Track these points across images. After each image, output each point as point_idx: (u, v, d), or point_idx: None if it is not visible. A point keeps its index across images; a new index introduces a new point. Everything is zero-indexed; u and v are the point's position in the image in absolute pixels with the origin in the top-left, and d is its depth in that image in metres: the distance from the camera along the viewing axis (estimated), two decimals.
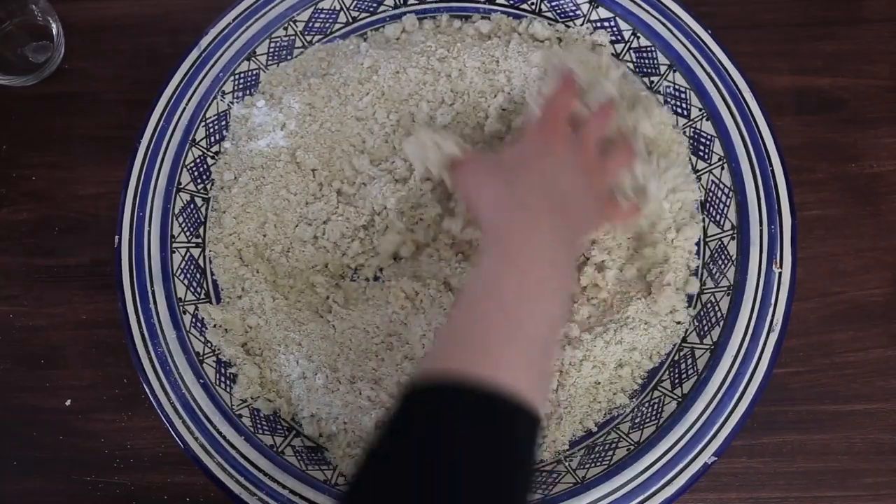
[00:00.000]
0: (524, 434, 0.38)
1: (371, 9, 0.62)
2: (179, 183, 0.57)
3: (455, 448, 0.35)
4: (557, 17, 0.60)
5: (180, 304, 0.54)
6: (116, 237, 0.54)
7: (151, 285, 0.53)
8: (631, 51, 0.59)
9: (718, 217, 0.54)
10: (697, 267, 0.54)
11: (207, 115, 0.58)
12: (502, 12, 0.61)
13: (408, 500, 0.34)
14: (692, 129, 0.56)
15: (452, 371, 0.37)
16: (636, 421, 0.51)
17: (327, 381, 0.52)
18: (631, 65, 0.59)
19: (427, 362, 0.40)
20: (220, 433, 0.50)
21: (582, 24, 0.60)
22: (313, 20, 0.61)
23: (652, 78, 0.58)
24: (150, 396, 0.51)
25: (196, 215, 0.57)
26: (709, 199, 0.55)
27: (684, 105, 0.57)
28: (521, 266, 0.41)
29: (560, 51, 0.57)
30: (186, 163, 0.57)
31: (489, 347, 0.39)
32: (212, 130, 0.59)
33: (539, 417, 0.38)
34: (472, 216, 0.50)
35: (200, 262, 0.56)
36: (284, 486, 0.49)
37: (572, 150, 0.48)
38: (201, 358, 0.53)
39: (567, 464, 0.51)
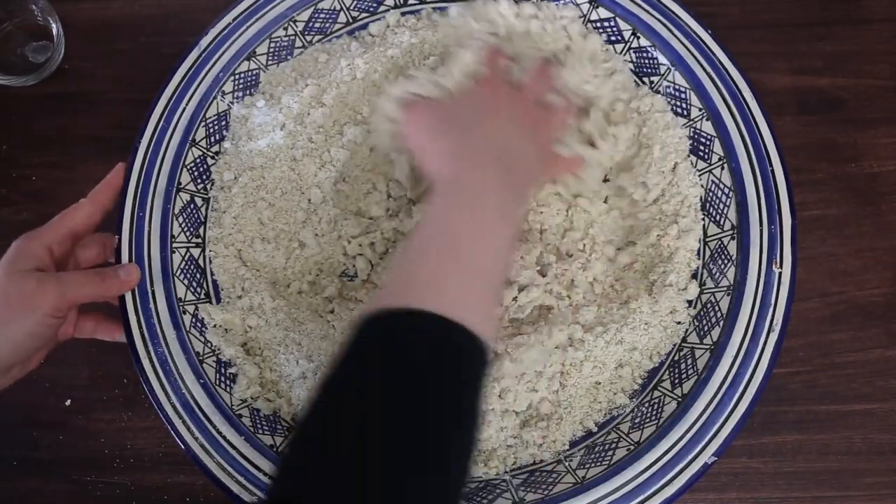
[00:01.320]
0: (470, 363, 0.39)
1: (371, 9, 0.62)
2: (179, 183, 0.57)
3: (395, 373, 0.36)
4: None
5: (180, 304, 0.54)
6: (116, 237, 0.54)
7: (151, 285, 0.53)
8: (631, 51, 0.59)
9: (718, 217, 0.54)
10: (697, 268, 0.54)
11: (207, 115, 0.58)
12: None
13: (342, 435, 0.35)
14: (692, 129, 0.56)
15: (402, 303, 0.38)
16: (636, 421, 0.51)
17: None
18: (631, 65, 0.59)
19: (379, 298, 0.41)
20: (220, 433, 0.50)
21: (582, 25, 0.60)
22: (313, 20, 0.61)
23: (652, 78, 0.58)
24: (150, 396, 0.51)
25: (196, 215, 0.57)
26: (709, 199, 0.55)
27: (684, 105, 0.57)
28: (472, 210, 0.43)
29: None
30: (186, 163, 0.57)
31: (439, 281, 0.40)
32: (212, 130, 0.59)
33: (485, 347, 0.39)
34: (420, 163, 0.51)
35: (200, 262, 0.56)
36: None
37: (516, 106, 0.51)
38: (201, 358, 0.53)
39: (567, 464, 0.51)
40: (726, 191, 0.54)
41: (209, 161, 0.59)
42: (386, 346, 0.38)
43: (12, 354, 0.48)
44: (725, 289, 0.52)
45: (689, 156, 0.56)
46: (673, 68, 0.57)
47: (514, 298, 0.53)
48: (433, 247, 0.42)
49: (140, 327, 0.52)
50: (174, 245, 0.55)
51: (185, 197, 0.57)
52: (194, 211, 0.57)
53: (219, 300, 0.56)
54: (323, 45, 0.62)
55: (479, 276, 0.42)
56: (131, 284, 0.52)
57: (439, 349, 0.38)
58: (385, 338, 0.38)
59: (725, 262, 0.53)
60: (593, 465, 0.50)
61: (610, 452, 0.50)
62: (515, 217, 0.47)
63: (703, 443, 0.48)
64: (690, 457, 0.48)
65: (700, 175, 0.56)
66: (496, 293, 0.46)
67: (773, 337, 0.50)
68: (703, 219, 0.55)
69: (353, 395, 0.36)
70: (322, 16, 0.61)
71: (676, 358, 0.53)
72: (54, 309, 0.48)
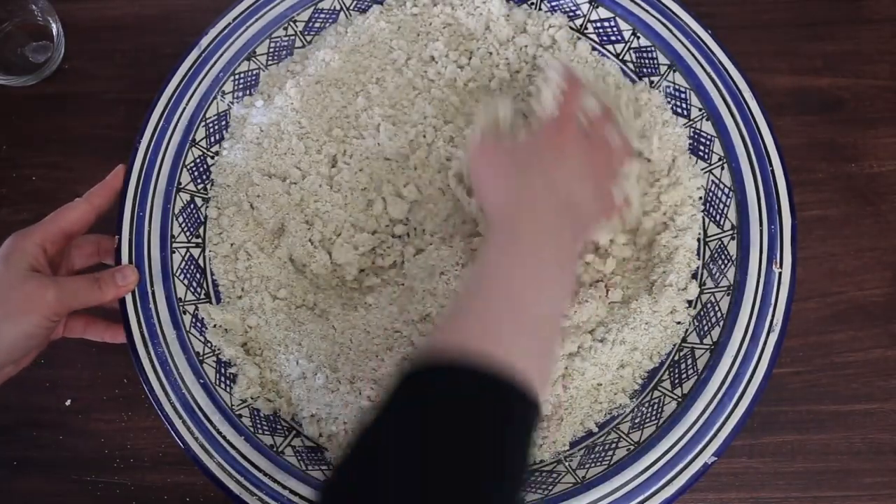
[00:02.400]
0: (517, 414, 0.37)
1: (371, 9, 0.62)
2: (179, 183, 0.57)
3: (436, 429, 0.35)
4: None
5: (180, 304, 0.54)
6: (116, 237, 0.54)
7: (151, 285, 0.53)
8: (631, 51, 0.59)
9: (718, 217, 0.54)
10: (697, 268, 0.54)
11: (207, 115, 0.58)
12: None
13: (380, 485, 0.34)
14: (692, 129, 0.56)
15: (450, 348, 0.37)
16: (636, 421, 0.51)
17: (327, 382, 0.52)
18: (631, 65, 0.59)
19: (433, 343, 0.40)
20: (220, 433, 0.50)
21: (582, 25, 0.60)
22: (313, 20, 0.61)
23: (652, 78, 0.58)
24: (150, 396, 0.51)
25: (196, 215, 0.57)
26: (709, 199, 0.55)
27: (684, 105, 0.57)
28: (528, 256, 0.43)
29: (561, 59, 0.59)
30: (186, 163, 0.57)
31: (490, 326, 0.39)
32: (212, 130, 0.59)
33: (535, 400, 0.38)
34: (480, 201, 0.51)
35: (200, 262, 0.56)
36: (284, 487, 0.49)
37: (583, 150, 0.49)
38: (201, 358, 0.53)
39: (567, 464, 0.51)
40: (726, 191, 0.54)
41: (209, 161, 0.59)
42: (427, 402, 0.37)
43: (6, 354, 0.48)
44: (725, 289, 0.52)
45: (688, 154, 0.56)
46: (673, 68, 0.57)
47: None
48: (490, 292, 0.41)
49: (140, 327, 0.52)
50: (174, 245, 0.55)
51: (185, 197, 0.57)
52: (194, 211, 0.57)
53: (219, 300, 0.56)
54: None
55: (533, 326, 0.41)
56: (128, 289, 0.52)
57: (485, 405, 0.36)
58: (427, 394, 0.37)
59: (725, 262, 0.53)
60: (593, 465, 0.50)
61: (610, 452, 0.50)
62: (572, 262, 0.46)
63: (703, 443, 0.48)
64: (690, 457, 0.48)
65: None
66: (551, 344, 0.44)
67: (773, 337, 0.50)
68: (703, 219, 0.55)
69: (391, 449, 0.35)
70: (322, 16, 0.61)
71: (676, 358, 0.53)
72: (52, 314, 0.48)
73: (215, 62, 0.59)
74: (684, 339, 0.53)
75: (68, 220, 0.51)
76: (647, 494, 0.48)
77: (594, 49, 0.60)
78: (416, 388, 0.37)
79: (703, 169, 0.56)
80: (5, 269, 0.48)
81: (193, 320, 0.54)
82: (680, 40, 0.57)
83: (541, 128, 0.51)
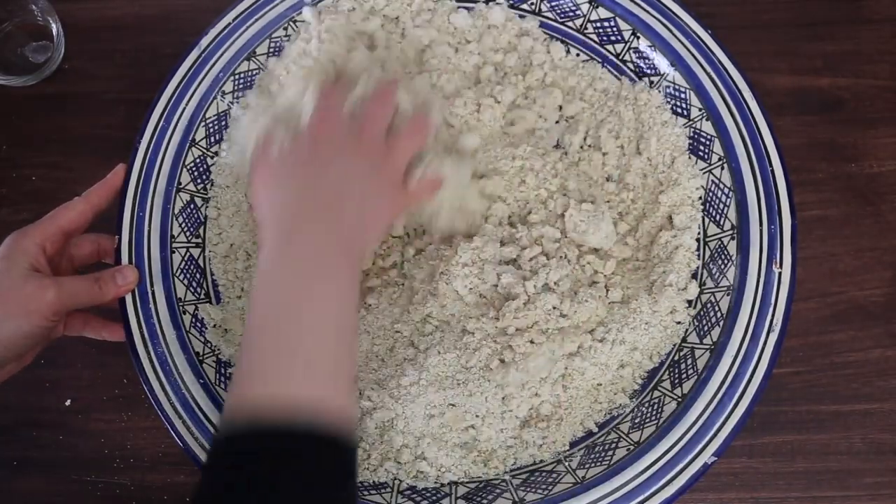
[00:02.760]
0: (325, 467, 0.37)
1: None
2: (179, 183, 0.57)
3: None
4: (557, 17, 0.60)
5: (180, 304, 0.54)
6: (116, 237, 0.54)
7: (151, 285, 0.53)
8: (631, 51, 0.59)
9: (718, 217, 0.54)
10: (697, 268, 0.54)
11: (207, 115, 0.58)
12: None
13: None
14: (692, 129, 0.56)
15: (244, 406, 0.37)
16: (636, 421, 0.51)
17: None
18: (631, 65, 0.59)
19: (231, 391, 0.40)
20: None
21: (582, 25, 0.60)
22: None
23: (652, 78, 0.58)
24: (150, 396, 0.51)
25: (196, 215, 0.57)
26: (709, 199, 0.55)
27: (684, 105, 0.57)
28: (302, 272, 0.41)
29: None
30: (186, 163, 0.57)
31: (273, 365, 0.38)
32: (212, 130, 0.59)
33: (343, 434, 0.38)
34: (257, 218, 0.49)
35: (200, 262, 0.56)
36: None
37: (350, 138, 0.47)
38: (201, 358, 0.53)
39: (567, 464, 0.51)
40: (726, 191, 0.54)
41: (209, 161, 0.59)
42: (231, 479, 0.36)
43: (7, 351, 0.48)
44: (725, 289, 0.52)
45: (688, 154, 0.56)
46: (673, 68, 0.57)
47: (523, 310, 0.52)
48: (269, 323, 0.40)
49: (140, 327, 0.52)
50: (174, 245, 0.55)
51: (185, 197, 0.57)
52: (194, 211, 0.57)
53: (219, 300, 0.56)
54: None
55: (316, 338, 0.40)
56: (129, 289, 0.52)
57: (283, 477, 0.35)
58: (231, 466, 0.36)
59: (725, 262, 0.53)
60: (593, 465, 0.50)
61: (610, 452, 0.50)
62: (352, 268, 0.44)
63: (703, 443, 0.48)
64: (690, 457, 0.48)
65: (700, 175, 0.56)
66: (346, 350, 0.42)
67: (773, 337, 0.50)
68: (703, 216, 0.55)
69: None
70: None
71: (676, 358, 0.53)
72: (53, 313, 0.48)
73: (215, 62, 0.59)
74: (684, 339, 0.53)
75: (67, 218, 0.51)
76: (647, 494, 0.48)
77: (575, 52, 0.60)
78: (223, 460, 0.37)
79: (702, 169, 0.56)
80: (5, 268, 0.48)
81: (193, 320, 0.54)
82: (680, 40, 0.57)
83: (304, 128, 0.48)
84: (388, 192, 0.48)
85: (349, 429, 0.39)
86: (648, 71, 0.58)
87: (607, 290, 0.54)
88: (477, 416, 0.51)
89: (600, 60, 0.60)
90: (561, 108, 0.59)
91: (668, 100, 0.57)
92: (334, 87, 0.49)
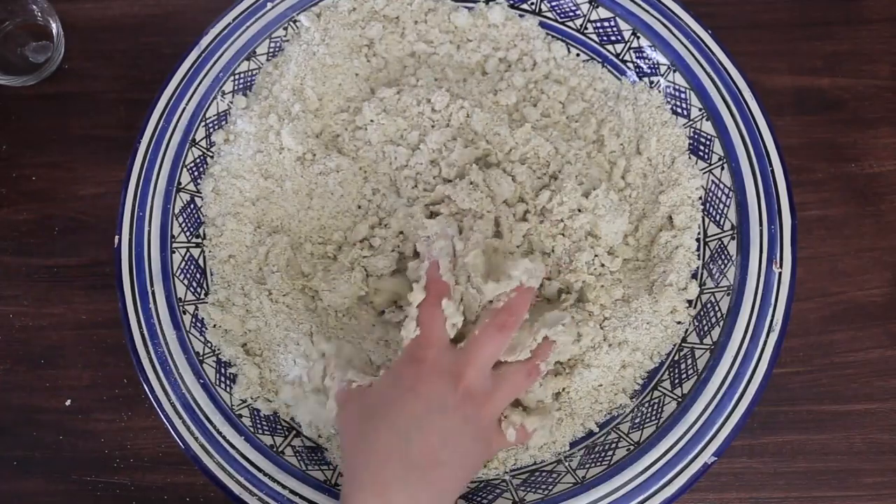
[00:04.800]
0: None
1: None
2: (179, 183, 0.57)
3: None
4: (557, 17, 0.60)
5: (180, 304, 0.54)
6: (116, 237, 0.54)
7: (151, 285, 0.53)
8: (631, 51, 0.59)
9: (718, 217, 0.54)
10: (697, 267, 0.54)
11: (207, 115, 0.58)
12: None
13: None
14: (692, 129, 0.56)
15: None
16: (636, 421, 0.51)
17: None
18: (631, 64, 0.59)
19: None
20: (220, 433, 0.50)
21: (582, 25, 0.60)
22: None
23: (652, 78, 0.58)
24: (150, 396, 0.51)
25: (196, 215, 0.57)
26: (709, 199, 0.55)
27: (684, 105, 0.57)
28: None
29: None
30: (186, 163, 0.57)
31: None
32: (212, 130, 0.59)
33: None
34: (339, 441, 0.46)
35: (200, 262, 0.56)
36: (284, 486, 0.49)
37: (447, 381, 0.41)
38: (201, 358, 0.53)
39: (567, 464, 0.51)
40: (726, 191, 0.54)
41: (209, 161, 0.59)
42: None
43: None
44: (725, 289, 0.52)
45: (688, 154, 0.56)
46: (673, 68, 0.57)
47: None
48: None
49: (140, 327, 0.52)
50: (174, 245, 0.55)
51: (185, 197, 0.57)
52: (194, 211, 0.57)
53: (219, 300, 0.56)
54: None
55: None
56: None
57: None
58: None
59: (725, 261, 0.53)
60: (593, 465, 0.50)
61: (610, 452, 0.50)
62: None
63: (703, 443, 0.48)
64: (690, 457, 0.48)
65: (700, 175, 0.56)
66: None
67: (773, 337, 0.50)
68: (703, 216, 0.55)
69: None
70: None
71: (676, 358, 0.53)
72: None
73: (215, 62, 0.59)
74: (684, 339, 0.53)
75: None
76: (647, 494, 0.48)
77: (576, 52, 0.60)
78: None
79: (702, 169, 0.56)
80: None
81: (193, 320, 0.54)
82: (680, 40, 0.57)
83: (392, 365, 0.42)
84: (482, 447, 0.44)
85: None
86: (648, 71, 0.58)
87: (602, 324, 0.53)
88: None
89: (600, 60, 0.60)
90: (563, 105, 0.59)
91: (668, 100, 0.57)
92: (433, 303, 0.42)
